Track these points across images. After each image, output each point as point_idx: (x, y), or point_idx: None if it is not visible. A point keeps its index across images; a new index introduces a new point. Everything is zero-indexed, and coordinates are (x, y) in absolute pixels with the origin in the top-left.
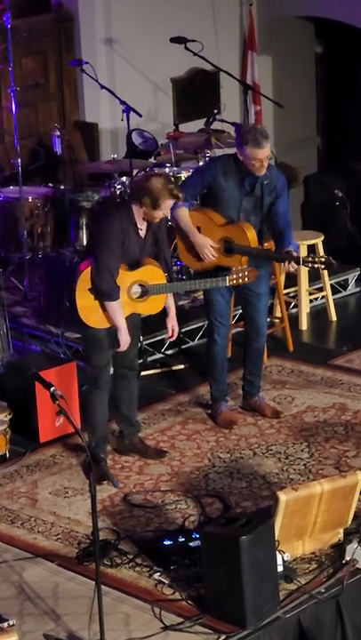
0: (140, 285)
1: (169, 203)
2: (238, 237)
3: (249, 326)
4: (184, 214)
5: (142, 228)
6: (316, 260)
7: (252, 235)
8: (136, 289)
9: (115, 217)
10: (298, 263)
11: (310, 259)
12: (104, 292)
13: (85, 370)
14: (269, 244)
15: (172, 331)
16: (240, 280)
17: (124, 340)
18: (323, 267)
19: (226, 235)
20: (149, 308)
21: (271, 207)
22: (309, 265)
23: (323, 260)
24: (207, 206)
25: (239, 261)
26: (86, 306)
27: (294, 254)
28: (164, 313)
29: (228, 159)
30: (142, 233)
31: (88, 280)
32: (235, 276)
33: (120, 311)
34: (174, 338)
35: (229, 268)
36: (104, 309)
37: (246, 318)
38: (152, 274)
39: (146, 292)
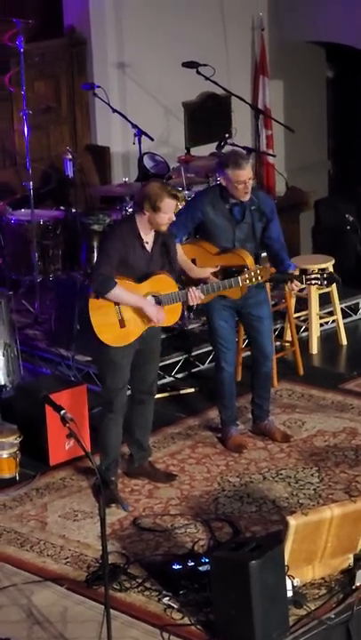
0: (154, 296)
1: (168, 202)
2: (237, 264)
3: (255, 350)
4: (178, 250)
5: (148, 241)
6: (319, 275)
7: (250, 260)
8: (150, 301)
9: (116, 232)
10: (301, 282)
11: (312, 275)
12: (99, 289)
13: (100, 392)
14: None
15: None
16: (254, 279)
17: (151, 312)
18: (325, 282)
19: (223, 263)
20: (166, 319)
21: (264, 232)
22: (312, 282)
23: (325, 275)
24: (200, 239)
25: (239, 289)
26: (101, 323)
27: (296, 273)
28: (172, 334)
29: (213, 191)
30: (149, 246)
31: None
32: (247, 276)
33: (127, 292)
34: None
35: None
36: (121, 324)
37: (252, 343)
38: (163, 283)
39: (159, 302)
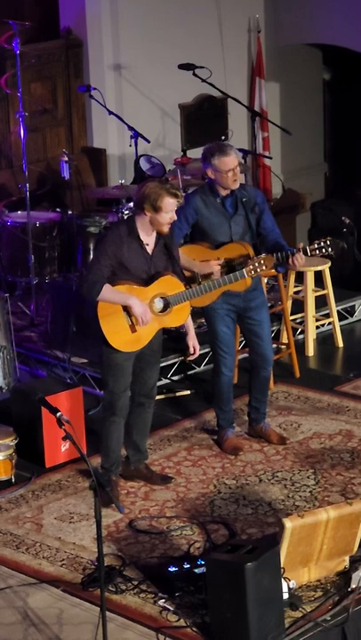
0: (162, 298)
1: (169, 201)
2: (239, 256)
3: (256, 355)
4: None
5: (149, 242)
6: (323, 244)
7: (251, 251)
8: (158, 303)
9: (110, 236)
10: (305, 254)
11: (316, 245)
12: (87, 294)
13: (102, 395)
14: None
15: (194, 349)
16: (258, 270)
17: (138, 312)
18: (330, 248)
19: (225, 256)
20: (175, 319)
21: (259, 224)
22: (317, 252)
23: (328, 241)
24: (197, 240)
25: (244, 282)
26: (111, 329)
27: (301, 246)
28: (169, 336)
29: (203, 189)
30: (150, 248)
31: (104, 305)
32: (251, 267)
33: (115, 292)
34: (196, 356)
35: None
36: (132, 328)
37: (252, 347)
38: (170, 284)
39: (168, 303)
